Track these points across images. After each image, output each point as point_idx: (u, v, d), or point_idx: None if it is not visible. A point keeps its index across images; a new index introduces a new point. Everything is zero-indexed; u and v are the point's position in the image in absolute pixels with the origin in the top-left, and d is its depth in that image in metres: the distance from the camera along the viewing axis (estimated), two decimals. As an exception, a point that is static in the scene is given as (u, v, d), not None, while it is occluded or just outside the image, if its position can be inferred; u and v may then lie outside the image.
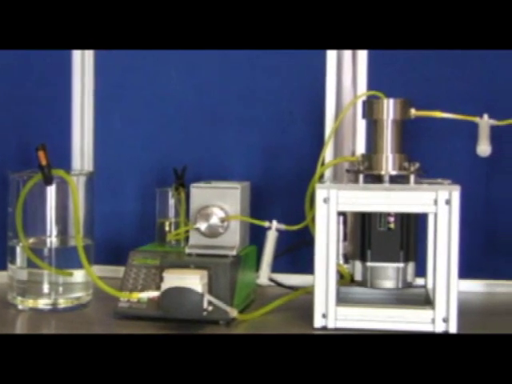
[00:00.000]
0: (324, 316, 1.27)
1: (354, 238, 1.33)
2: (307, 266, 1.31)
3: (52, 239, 1.42)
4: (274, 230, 1.35)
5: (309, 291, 1.34)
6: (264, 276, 1.33)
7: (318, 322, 1.27)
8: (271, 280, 1.41)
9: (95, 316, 1.39)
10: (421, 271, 1.37)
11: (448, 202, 1.24)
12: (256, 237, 1.42)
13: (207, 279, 1.28)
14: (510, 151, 1.52)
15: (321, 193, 1.27)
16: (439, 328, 1.25)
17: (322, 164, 1.42)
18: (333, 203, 1.27)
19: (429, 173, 1.31)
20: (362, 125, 1.55)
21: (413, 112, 1.32)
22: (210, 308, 1.27)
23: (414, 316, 1.26)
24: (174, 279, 1.25)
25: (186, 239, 1.40)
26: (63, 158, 1.62)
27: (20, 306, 1.40)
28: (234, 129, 1.62)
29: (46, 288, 1.40)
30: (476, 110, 1.35)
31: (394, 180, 1.30)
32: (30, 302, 1.40)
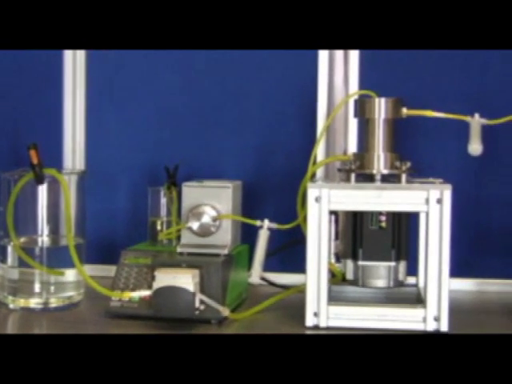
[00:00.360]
0: (316, 315, 1.27)
1: (345, 236, 1.33)
2: (299, 265, 1.31)
3: (43, 238, 1.42)
4: (265, 228, 1.35)
5: (300, 290, 1.34)
6: (256, 275, 1.33)
7: (310, 321, 1.27)
8: (263, 279, 1.41)
9: (87, 315, 1.38)
10: (412, 270, 1.37)
11: (439, 201, 1.24)
12: (248, 236, 1.42)
13: (199, 278, 1.28)
14: (502, 150, 1.52)
15: (312, 192, 1.27)
16: (430, 326, 1.25)
17: (314, 163, 1.42)
18: (324, 202, 1.27)
19: (420, 172, 1.31)
20: (353, 124, 1.55)
21: (404, 111, 1.32)
22: (202, 307, 1.27)
23: (406, 315, 1.26)
24: (165, 278, 1.25)
25: (178, 238, 1.40)
26: (55, 157, 1.62)
27: (11, 306, 1.39)
28: (227, 128, 1.62)
29: (37, 287, 1.40)
30: (467, 110, 1.35)
31: (385, 179, 1.30)
32: (21, 302, 1.39)
